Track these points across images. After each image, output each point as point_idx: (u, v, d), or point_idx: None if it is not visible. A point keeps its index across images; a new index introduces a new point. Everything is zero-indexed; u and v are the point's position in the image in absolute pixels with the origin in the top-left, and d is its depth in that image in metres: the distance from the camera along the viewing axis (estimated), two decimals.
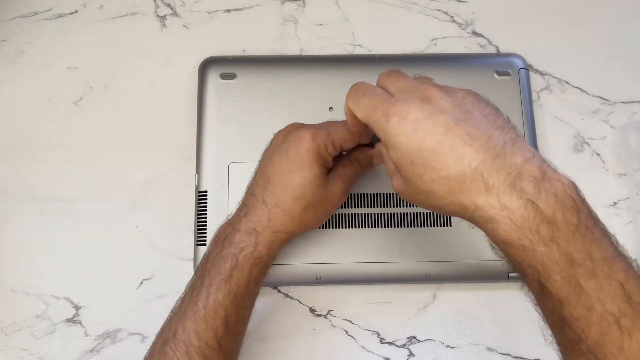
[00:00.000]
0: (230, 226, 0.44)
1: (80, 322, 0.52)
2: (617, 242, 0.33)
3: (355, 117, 0.40)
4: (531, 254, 0.31)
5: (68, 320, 0.52)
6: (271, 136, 0.53)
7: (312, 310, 0.53)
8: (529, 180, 0.32)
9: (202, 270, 0.43)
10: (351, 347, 0.52)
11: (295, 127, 0.45)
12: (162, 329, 0.43)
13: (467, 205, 0.33)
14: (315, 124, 0.45)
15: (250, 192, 0.45)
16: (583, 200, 0.32)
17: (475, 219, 0.34)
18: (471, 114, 0.34)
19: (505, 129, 0.34)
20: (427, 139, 0.33)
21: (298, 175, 0.43)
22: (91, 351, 0.52)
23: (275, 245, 0.44)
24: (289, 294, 0.53)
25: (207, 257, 0.44)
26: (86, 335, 0.52)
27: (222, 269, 0.42)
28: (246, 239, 0.43)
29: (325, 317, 0.53)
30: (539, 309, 0.34)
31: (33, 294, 0.53)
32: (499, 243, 0.33)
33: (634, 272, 0.32)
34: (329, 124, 0.45)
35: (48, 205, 0.55)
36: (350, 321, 0.53)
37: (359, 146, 0.46)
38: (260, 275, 0.44)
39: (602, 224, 0.33)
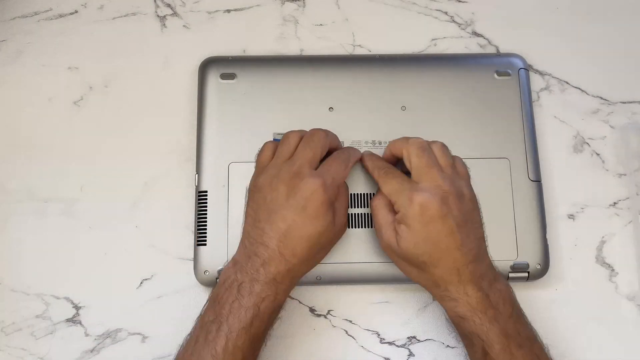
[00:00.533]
0: (245, 275, 0.45)
1: (80, 322, 0.52)
2: (536, 332, 0.46)
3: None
4: (479, 328, 0.44)
5: (68, 320, 0.52)
6: (271, 136, 0.54)
7: (312, 310, 0.53)
8: (486, 280, 0.45)
9: (219, 316, 0.44)
10: (351, 347, 0.52)
11: (299, 177, 0.45)
12: None
13: (439, 285, 0.46)
14: (316, 170, 0.47)
15: (260, 242, 0.45)
16: (515, 299, 0.47)
17: (440, 295, 0.46)
18: (468, 223, 0.46)
19: (482, 239, 0.47)
20: (434, 234, 0.44)
21: (313, 227, 0.45)
22: (91, 351, 0.52)
23: (291, 289, 0.47)
24: (289, 294, 0.53)
25: (220, 301, 0.44)
26: (86, 335, 0.52)
27: (243, 318, 0.43)
28: (267, 290, 0.44)
29: (325, 317, 0.53)
30: None
31: (33, 294, 0.53)
32: (456, 317, 0.46)
33: (545, 351, 0.46)
34: (328, 167, 0.48)
35: (48, 205, 0.55)
36: (350, 321, 0.53)
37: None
38: (276, 318, 0.47)
39: (527, 319, 0.47)
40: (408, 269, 0.48)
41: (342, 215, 0.48)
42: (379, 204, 0.48)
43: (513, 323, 0.45)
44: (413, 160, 0.47)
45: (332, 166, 0.47)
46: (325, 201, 0.45)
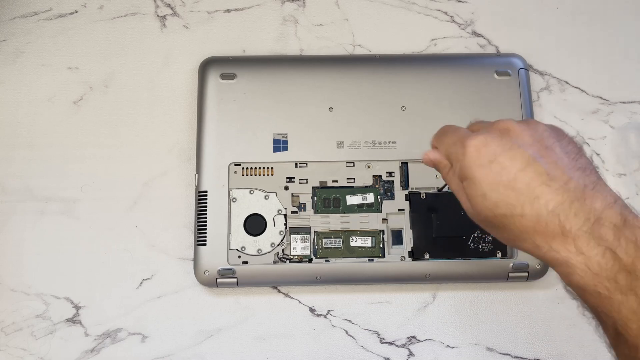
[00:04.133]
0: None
1: (80, 322, 0.52)
2: None
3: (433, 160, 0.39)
4: (607, 302, 0.31)
5: (68, 320, 0.52)
6: (271, 136, 0.54)
7: (312, 310, 0.53)
8: (609, 227, 0.31)
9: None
10: (351, 347, 0.52)
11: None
12: None
13: (540, 245, 0.33)
14: None
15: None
16: None
17: (548, 259, 0.33)
18: (551, 151, 0.34)
19: (587, 171, 0.33)
20: (503, 173, 0.33)
21: None
22: (91, 351, 0.52)
23: None
24: (289, 294, 0.53)
25: None
26: (86, 335, 0.52)
27: None
28: None
29: (325, 317, 0.53)
30: (613, 351, 0.33)
31: (33, 294, 0.53)
32: (573, 286, 0.33)
33: None
34: None
35: (48, 205, 0.55)
36: (350, 321, 0.53)
37: None
38: None
39: None
40: (498, 234, 0.36)
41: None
42: (447, 173, 0.38)
43: None
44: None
45: None
46: None
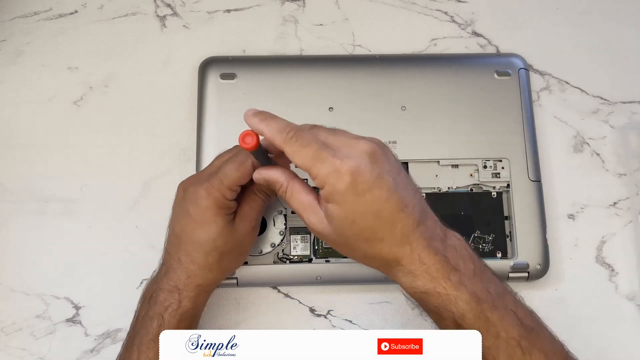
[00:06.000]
0: (154, 284, 0.45)
1: (80, 322, 0.52)
2: (501, 279, 0.40)
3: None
4: (446, 299, 0.38)
5: (68, 320, 0.52)
6: None
7: (312, 310, 0.53)
8: (438, 239, 0.39)
9: (133, 330, 0.44)
10: None
11: (191, 183, 0.45)
12: None
13: (389, 261, 0.39)
14: (207, 172, 0.44)
15: (166, 250, 0.45)
16: (472, 250, 0.40)
17: (394, 272, 0.40)
18: (400, 175, 0.39)
19: (418, 193, 0.40)
20: (374, 203, 0.37)
21: (204, 232, 0.43)
22: (91, 351, 0.52)
23: (200, 298, 0.45)
24: (289, 294, 0.53)
25: (137, 315, 0.45)
26: (86, 335, 0.52)
27: (150, 329, 0.42)
28: (170, 298, 0.43)
29: (325, 317, 0.53)
30: None
31: (33, 294, 0.53)
32: (417, 293, 0.39)
33: (519, 301, 0.40)
34: (219, 166, 0.44)
35: (48, 205, 0.55)
36: (350, 321, 0.53)
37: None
38: (187, 327, 0.44)
39: (490, 269, 0.40)
40: (350, 252, 0.41)
41: (247, 220, 0.45)
42: (288, 183, 0.41)
43: (480, 281, 0.38)
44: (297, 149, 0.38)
45: (223, 167, 0.43)
46: (209, 206, 0.42)
